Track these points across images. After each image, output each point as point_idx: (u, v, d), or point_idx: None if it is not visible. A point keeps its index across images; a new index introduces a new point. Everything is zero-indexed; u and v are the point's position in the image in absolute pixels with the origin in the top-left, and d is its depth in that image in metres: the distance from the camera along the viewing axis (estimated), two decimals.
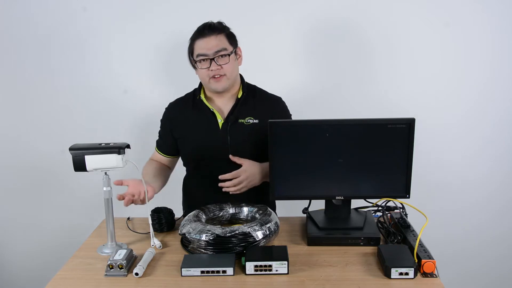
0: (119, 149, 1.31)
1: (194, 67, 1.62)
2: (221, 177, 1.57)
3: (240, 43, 1.63)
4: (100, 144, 1.33)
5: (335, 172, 1.44)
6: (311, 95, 2.13)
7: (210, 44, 1.54)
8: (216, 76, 1.56)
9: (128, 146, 1.35)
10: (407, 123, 1.37)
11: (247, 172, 1.57)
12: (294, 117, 1.72)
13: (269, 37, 2.07)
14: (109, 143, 1.33)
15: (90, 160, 1.30)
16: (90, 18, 2.07)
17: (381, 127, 1.38)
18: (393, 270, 1.19)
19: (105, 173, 1.35)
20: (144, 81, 2.15)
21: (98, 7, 2.06)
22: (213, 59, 1.54)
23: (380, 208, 1.53)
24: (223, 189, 1.58)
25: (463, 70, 2.09)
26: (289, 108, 1.73)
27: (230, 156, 1.60)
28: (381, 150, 1.41)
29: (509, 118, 2.15)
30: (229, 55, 1.55)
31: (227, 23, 1.62)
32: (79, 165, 1.30)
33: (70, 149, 1.31)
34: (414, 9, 2.02)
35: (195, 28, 1.59)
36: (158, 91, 2.13)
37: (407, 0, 2.01)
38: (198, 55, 1.56)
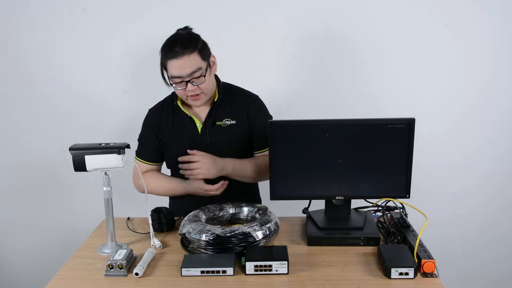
0: (119, 149, 1.31)
1: (169, 84, 1.57)
2: (180, 159, 1.57)
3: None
4: (100, 144, 1.33)
5: (335, 172, 1.44)
6: (311, 96, 2.13)
7: (184, 66, 1.48)
8: (193, 95, 1.55)
9: (128, 146, 1.35)
10: (407, 123, 1.37)
11: (206, 156, 1.56)
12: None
13: (269, 37, 2.06)
14: (109, 143, 1.33)
15: (90, 160, 1.30)
16: (90, 18, 2.07)
17: (381, 127, 1.38)
18: (393, 270, 1.19)
19: (105, 173, 1.35)
20: (143, 81, 2.15)
21: (98, 7, 2.06)
22: (188, 81, 1.51)
23: (380, 208, 1.53)
24: (180, 171, 1.58)
25: (463, 70, 2.09)
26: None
27: (188, 150, 1.57)
28: (381, 150, 1.41)
29: (509, 118, 2.15)
30: (204, 75, 1.51)
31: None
32: (79, 165, 1.30)
33: (70, 149, 1.31)
34: (414, 9, 2.02)
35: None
36: (158, 91, 2.12)
37: (407, 0, 2.01)
38: (172, 77, 1.52)
